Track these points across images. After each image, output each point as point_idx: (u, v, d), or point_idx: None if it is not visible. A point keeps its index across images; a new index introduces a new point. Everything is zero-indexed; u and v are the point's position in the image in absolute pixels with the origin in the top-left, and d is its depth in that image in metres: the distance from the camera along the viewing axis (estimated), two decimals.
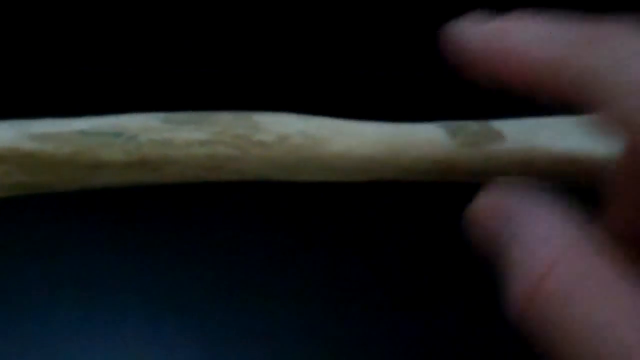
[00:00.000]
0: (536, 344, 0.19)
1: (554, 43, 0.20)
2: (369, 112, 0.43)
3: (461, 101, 0.42)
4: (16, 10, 0.45)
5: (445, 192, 0.36)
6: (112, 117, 0.23)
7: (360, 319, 0.37)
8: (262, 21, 0.45)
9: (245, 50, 0.45)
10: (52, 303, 0.37)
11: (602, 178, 0.23)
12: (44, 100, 0.44)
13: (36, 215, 0.40)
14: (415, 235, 0.39)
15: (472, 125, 0.24)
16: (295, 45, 0.45)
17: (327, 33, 0.45)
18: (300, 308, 0.38)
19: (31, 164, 0.24)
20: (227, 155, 0.23)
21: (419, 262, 0.39)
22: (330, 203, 0.40)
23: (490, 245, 0.21)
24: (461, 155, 0.24)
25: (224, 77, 0.45)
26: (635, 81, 0.18)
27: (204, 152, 0.23)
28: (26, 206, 0.40)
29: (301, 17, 0.45)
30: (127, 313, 0.37)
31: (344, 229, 0.40)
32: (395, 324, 0.37)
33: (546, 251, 0.19)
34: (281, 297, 0.38)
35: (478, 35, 0.21)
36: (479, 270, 0.36)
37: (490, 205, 0.21)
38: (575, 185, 0.25)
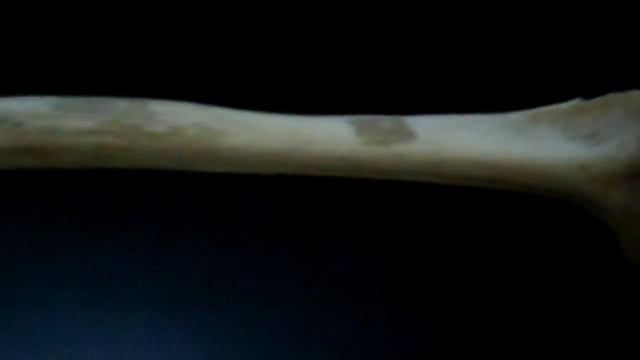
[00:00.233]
0: None
1: None
2: (368, 112, 0.42)
3: (461, 101, 0.42)
4: (16, 10, 0.45)
5: (445, 193, 0.36)
6: (1, 101, 0.22)
7: (361, 319, 0.37)
8: (262, 21, 0.45)
9: (245, 50, 0.45)
10: (52, 303, 0.37)
11: (522, 182, 0.22)
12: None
13: (36, 215, 0.40)
14: (415, 235, 0.39)
15: (384, 122, 0.23)
16: (295, 45, 0.45)
17: (327, 33, 0.45)
18: (301, 308, 0.38)
19: None
20: (116, 145, 0.22)
21: (419, 262, 0.39)
22: (330, 203, 0.40)
23: None
24: (367, 153, 0.23)
25: (224, 77, 0.45)
26: None
27: (92, 142, 0.22)
28: (26, 206, 0.40)
29: (301, 17, 0.45)
30: (127, 313, 0.37)
31: (344, 228, 0.40)
32: (396, 324, 0.37)
33: None
34: (281, 297, 0.38)
35: None
36: (480, 269, 0.37)
37: None
38: (493, 188, 0.24)
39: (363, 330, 0.38)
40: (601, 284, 0.35)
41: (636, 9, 0.43)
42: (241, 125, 0.23)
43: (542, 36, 0.44)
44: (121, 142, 0.22)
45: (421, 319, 0.37)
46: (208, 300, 0.38)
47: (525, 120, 0.23)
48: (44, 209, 0.40)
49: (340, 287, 0.38)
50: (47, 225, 0.40)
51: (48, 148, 0.22)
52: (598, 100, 0.24)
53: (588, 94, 0.26)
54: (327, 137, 0.23)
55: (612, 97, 0.24)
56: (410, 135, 0.23)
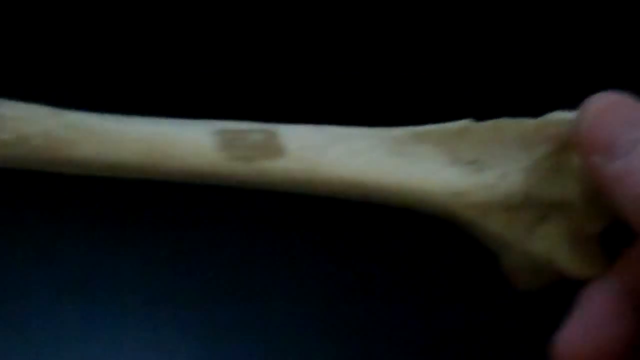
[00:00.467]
0: None
1: None
2: (367, 113, 0.43)
3: (460, 102, 0.42)
4: (16, 10, 0.45)
5: None
6: None
7: (361, 319, 0.37)
8: (261, 21, 0.45)
9: (244, 50, 0.45)
10: (52, 303, 0.37)
11: (396, 203, 0.22)
12: (42, 100, 0.44)
13: (36, 216, 0.40)
14: (416, 234, 0.39)
15: (254, 134, 0.22)
16: (294, 46, 0.45)
17: (327, 33, 0.45)
18: (301, 308, 0.38)
19: None
20: None
21: (420, 262, 0.39)
22: (330, 202, 0.40)
23: (601, 147, 0.21)
24: (230, 168, 0.22)
25: (224, 77, 0.45)
26: None
27: None
28: (26, 206, 0.40)
29: (300, 18, 0.45)
30: (127, 313, 0.37)
31: (345, 228, 0.40)
32: (396, 323, 0.37)
33: None
34: (281, 297, 0.38)
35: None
36: (480, 268, 0.36)
37: (612, 106, 0.21)
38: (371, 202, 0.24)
39: (364, 331, 0.38)
40: None
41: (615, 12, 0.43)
42: (92, 135, 0.21)
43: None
44: None
45: (423, 318, 0.37)
46: (208, 300, 0.38)
47: (407, 138, 0.22)
48: (44, 209, 0.40)
49: (341, 286, 0.38)
50: (47, 226, 0.40)
51: None
52: (488, 124, 0.23)
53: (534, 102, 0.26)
54: (186, 151, 0.21)
55: (502, 123, 0.23)
56: (278, 152, 0.22)
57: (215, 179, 0.23)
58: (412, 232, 0.39)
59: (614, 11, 0.43)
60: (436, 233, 0.38)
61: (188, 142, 0.22)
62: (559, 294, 0.28)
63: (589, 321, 0.22)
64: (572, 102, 0.23)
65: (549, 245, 0.23)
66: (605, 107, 0.21)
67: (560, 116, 0.23)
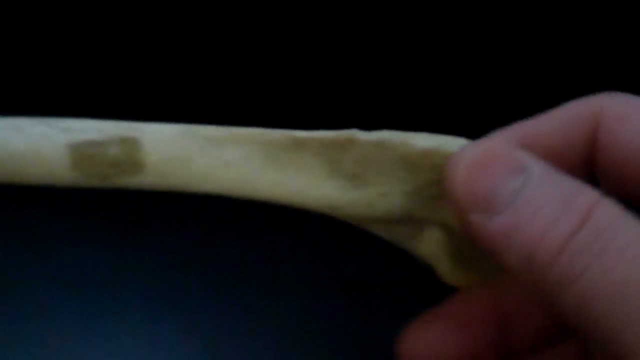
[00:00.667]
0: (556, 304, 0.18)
1: None
2: (366, 113, 0.43)
3: (460, 103, 0.42)
4: (16, 10, 0.45)
5: None
6: None
7: (362, 319, 0.37)
8: (261, 21, 0.45)
9: (244, 50, 0.45)
10: (52, 303, 0.37)
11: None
12: (43, 100, 0.44)
13: (36, 215, 0.40)
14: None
15: (111, 148, 0.21)
16: (294, 46, 0.45)
17: (326, 33, 0.45)
18: (301, 308, 0.38)
19: None
20: None
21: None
22: None
23: (480, 203, 0.19)
24: (86, 184, 0.21)
25: (223, 77, 0.45)
26: None
27: None
28: (26, 206, 0.40)
29: (300, 18, 0.45)
30: (127, 313, 0.37)
31: (344, 228, 0.40)
32: (396, 324, 0.37)
33: (584, 198, 0.18)
34: (281, 297, 0.38)
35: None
36: None
37: (486, 157, 0.19)
38: None
39: (364, 331, 0.38)
40: None
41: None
42: None
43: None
44: None
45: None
46: (208, 300, 0.38)
47: (287, 144, 0.21)
48: (44, 209, 0.40)
49: (342, 286, 0.38)
50: (47, 226, 0.40)
51: None
52: (373, 139, 0.21)
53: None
54: (37, 170, 0.21)
55: (389, 141, 0.21)
56: (137, 167, 0.21)
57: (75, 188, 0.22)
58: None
59: (614, 11, 0.43)
60: None
61: (40, 162, 0.20)
62: None
63: (443, 326, 0.22)
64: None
65: (430, 251, 0.23)
66: (477, 158, 0.19)
67: (449, 148, 0.21)
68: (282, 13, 0.45)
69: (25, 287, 0.38)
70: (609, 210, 0.18)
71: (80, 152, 0.20)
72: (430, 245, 0.22)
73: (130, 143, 0.20)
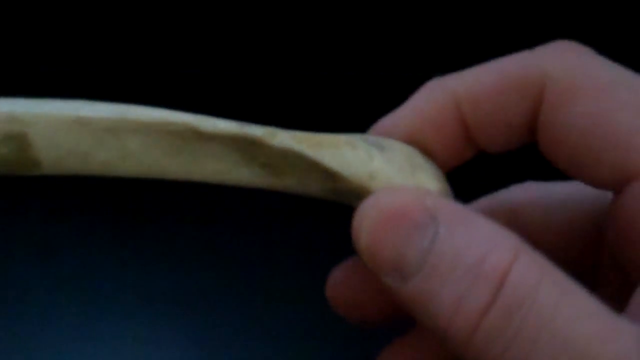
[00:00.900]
0: None
1: None
2: (365, 113, 0.43)
3: None
4: (15, 10, 0.45)
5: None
6: None
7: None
8: (260, 21, 0.45)
9: (244, 50, 0.45)
10: (52, 303, 0.37)
11: None
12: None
13: (36, 215, 0.40)
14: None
15: (2, 149, 0.19)
16: (293, 46, 0.45)
17: (325, 33, 0.45)
18: (301, 308, 0.38)
19: None
20: None
21: None
22: (332, 202, 0.40)
23: (388, 267, 0.17)
24: None
25: (223, 77, 0.45)
26: None
27: None
28: (26, 206, 0.40)
29: (299, 18, 0.45)
30: (127, 313, 0.37)
31: (344, 228, 0.40)
32: (397, 323, 0.37)
33: (496, 259, 0.16)
34: (281, 297, 0.38)
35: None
36: None
37: (390, 212, 0.17)
38: None
39: (364, 331, 0.38)
40: None
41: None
42: None
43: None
44: None
45: None
46: (208, 300, 0.38)
47: (190, 137, 0.20)
48: (44, 209, 0.40)
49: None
50: (47, 226, 0.40)
51: None
52: (279, 146, 0.20)
53: None
54: None
55: (293, 151, 0.20)
56: (32, 164, 0.19)
57: None
58: None
59: (609, 12, 0.43)
60: None
61: None
62: None
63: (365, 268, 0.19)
64: None
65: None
66: (380, 215, 0.17)
67: (352, 172, 0.19)
68: (282, 13, 0.45)
69: (25, 287, 0.38)
70: (526, 272, 0.16)
71: None
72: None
73: (18, 140, 0.19)
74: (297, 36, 0.45)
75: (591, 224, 0.21)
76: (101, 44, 0.45)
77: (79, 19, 0.45)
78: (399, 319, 0.21)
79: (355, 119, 0.24)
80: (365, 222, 0.18)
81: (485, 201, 0.22)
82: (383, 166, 0.19)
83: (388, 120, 0.20)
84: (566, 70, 0.19)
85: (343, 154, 0.19)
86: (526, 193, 0.22)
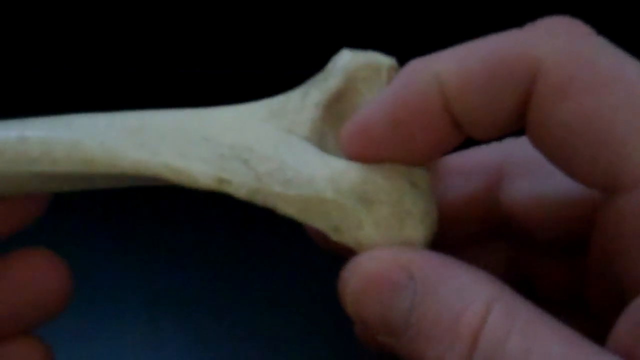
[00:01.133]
0: None
1: None
2: None
3: None
4: (15, 10, 0.45)
5: None
6: None
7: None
8: (260, 21, 0.45)
9: (243, 50, 0.45)
10: None
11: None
12: (43, 100, 0.44)
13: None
14: None
15: None
16: (293, 46, 0.45)
17: (325, 33, 0.45)
18: (301, 308, 0.38)
19: None
20: None
21: None
22: None
23: (379, 329, 0.18)
24: None
25: (223, 77, 0.45)
26: None
27: None
28: None
29: (299, 18, 0.45)
30: (127, 313, 0.37)
31: None
32: None
33: (469, 318, 0.16)
34: (281, 298, 0.38)
35: None
36: None
37: (375, 274, 0.18)
38: None
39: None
40: None
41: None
42: None
43: None
44: None
45: None
46: (208, 301, 0.38)
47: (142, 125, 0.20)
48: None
49: None
50: (47, 226, 0.40)
51: None
52: (241, 193, 0.21)
53: None
54: None
55: (257, 199, 0.21)
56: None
57: None
58: None
59: (607, 12, 0.43)
60: None
61: None
62: None
63: None
64: None
65: None
66: (361, 281, 0.18)
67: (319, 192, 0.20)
68: (282, 13, 0.45)
69: None
70: (497, 324, 0.16)
71: None
72: None
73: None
74: (296, 36, 0.45)
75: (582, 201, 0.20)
76: (100, 44, 0.45)
77: (78, 19, 0.45)
78: None
79: None
80: (348, 288, 0.18)
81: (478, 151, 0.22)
82: (370, 233, 0.19)
83: (369, 109, 0.19)
84: (561, 58, 0.17)
85: (332, 219, 0.20)
86: (521, 150, 0.21)
